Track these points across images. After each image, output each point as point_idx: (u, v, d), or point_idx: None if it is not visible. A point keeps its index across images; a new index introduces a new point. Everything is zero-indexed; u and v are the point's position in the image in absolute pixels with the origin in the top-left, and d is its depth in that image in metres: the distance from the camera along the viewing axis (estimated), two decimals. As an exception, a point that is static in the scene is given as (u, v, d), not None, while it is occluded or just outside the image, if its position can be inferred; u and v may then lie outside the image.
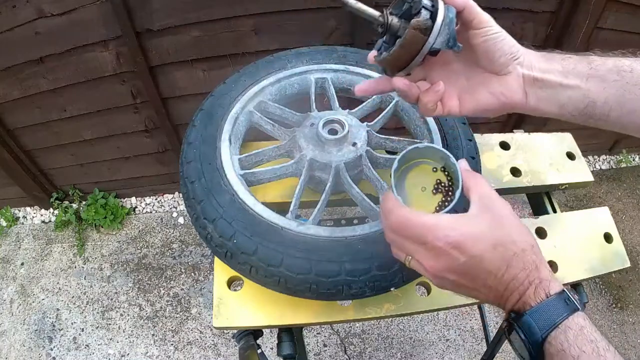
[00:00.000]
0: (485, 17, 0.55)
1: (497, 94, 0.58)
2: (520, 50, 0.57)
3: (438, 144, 0.85)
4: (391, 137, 0.88)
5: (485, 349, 1.29)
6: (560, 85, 0.56)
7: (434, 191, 0.60)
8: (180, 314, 2.10)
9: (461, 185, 0.55)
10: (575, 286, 0.93)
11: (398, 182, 0.60)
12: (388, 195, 0.55)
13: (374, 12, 0.55)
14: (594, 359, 0.43)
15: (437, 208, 0.59)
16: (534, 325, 0.47)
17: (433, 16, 0.52)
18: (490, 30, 0.55)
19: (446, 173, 0.60)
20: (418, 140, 0.89)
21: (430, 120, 0.88)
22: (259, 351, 0.80)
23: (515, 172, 0.99)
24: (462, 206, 0.54)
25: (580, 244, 0.91)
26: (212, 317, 0.75)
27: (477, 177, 0.55)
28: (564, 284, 0.75)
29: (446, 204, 0.58)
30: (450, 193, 0.59)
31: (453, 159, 0.58)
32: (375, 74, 0.94)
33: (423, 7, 0.52)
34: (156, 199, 2.50)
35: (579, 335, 0.45)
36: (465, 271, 0.49)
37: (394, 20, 0.55)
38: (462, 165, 0.57)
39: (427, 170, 0.62)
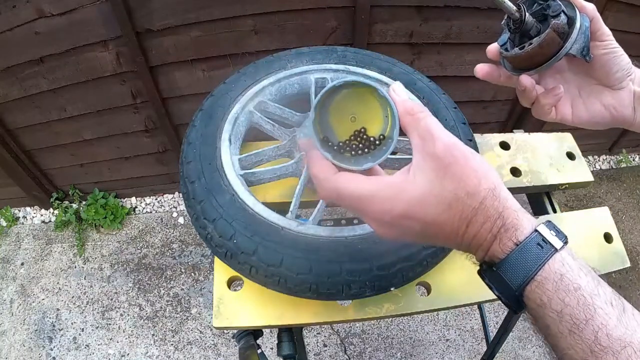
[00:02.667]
0: (607, 31, 0.56)
1: (610, 107, 0.59)
2: (632, 67, 0.59)
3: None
4: (391, 137, 0.87)
5: (485, 349, 1.29)
6: None
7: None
8: (180, 314, 2.10)
9: (398, 123, 0.47)
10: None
11: (322, 116, 0.51)
12: (313, 156, 0.48)
13: (512, 7, 0.54)
14: (581, 310, 0.37)
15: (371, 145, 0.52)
16: (505, 280, 0.41)
17: (569, 22, 0.53)
18: (612, 44, 0.56)
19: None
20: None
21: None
22: (259, 351, 0.80)
23: (515, 172, 0.99)
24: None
25: (580, 244, 0.91)
26: (212, 317, 0.75)
27: (416, 109, 0.46)
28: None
29: (383, 147, 0.51)
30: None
31: (382, 90, 0.47)
32: (375, 74, 0.94)
33: (562, 11, 0.53)
34: (156, 199, 2.50)
35: (559, 286, 0.39)
36: (422, 235, 0.45)
37: (529, 17, 0.54)
38: (397, 91, 0.47)
39: (361, 94, 0.50)
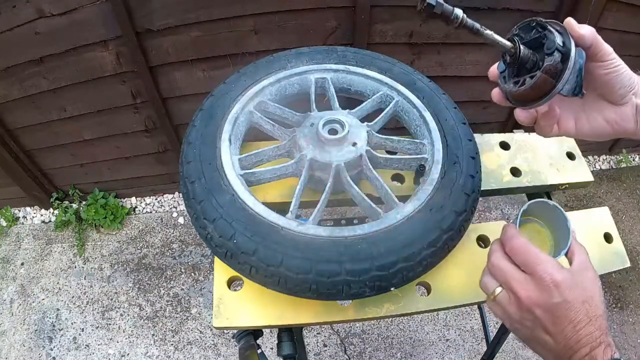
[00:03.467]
0: (608, 50, 0.56)
1: (612, 122, 0.61)
2: (635, 80, 0.59)
3: (438, 144, 0.85)
4: (391, 137, 0.88)
5: (485, 349, 1.29)
6: None
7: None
8: (180, 314, 2.10)
9: (568, 247, 0.62)
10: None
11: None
12: (511, 226, 0.60)
13: (507, 43, 0.56)
14: None
15: None
16: None
17: (564, 58, 0.53)
18: (613, 64, 0.57)
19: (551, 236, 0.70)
20: (418, 140, 0.89)
21: (430, 120, 0.88)
22: (259, 351, 0.80)
23: (515, 172, 0.99)
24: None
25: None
26: (212, 317, 0.75)
27: (582, 247, 0.62)
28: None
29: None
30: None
31: (570, 223, 0.65)
32: (375, 74, 0.94)
33: (557, 49, 0.53)
34: (156, 199, 2.50)
35: None
36: (553, 311, 0.52)
37: (525, 51, 0.56)
38: (575, 234, 0.63)
39: (535, 229, 0.71)
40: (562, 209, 0.68)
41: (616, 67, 0.57)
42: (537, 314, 0.53)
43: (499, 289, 0.56)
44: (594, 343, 0.51)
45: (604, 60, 0.56)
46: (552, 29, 0.54)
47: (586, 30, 0.54)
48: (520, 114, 0.61)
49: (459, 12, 0.52)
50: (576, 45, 0.54)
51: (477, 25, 0.54)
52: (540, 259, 0.54)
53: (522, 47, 0.56)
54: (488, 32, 0.55)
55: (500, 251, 0.58)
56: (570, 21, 0.55)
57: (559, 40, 0.53)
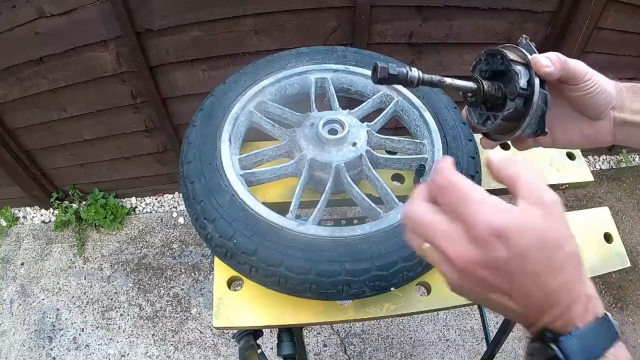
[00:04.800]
0: (581, 71, 0.54)
1: (589, 136, 0.60)
2: (613, 95, 0.57)
3: (438, 144, 0.85)
4: (391, 137, 0.88)
5: (485, 349, 1.29)
6: None
7: None
8: (180, 314, 2.10)
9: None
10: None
11: None
12: (447, 159, 0.44)
13: (471, 85, 0.56)
14: None
15: None
16: (577, 351, 0.38)
17: (527, 101, 0.52)
18: (587, 86, 0.55)
19: None
20: (418, 140, 0.89)
21: (431, 121, 0.88)
22: (259, 351, 0.80)
23: (515, 172, 0.99)
24: None
25: (580, 244, 0.90)
26: (212, 317, 0.75)
27: (519, 163, 0.44)
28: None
29: None
30: None
31: None
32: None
33: (519, 94, 0.52)
34: (156, 199, 2.50)
35: None
36: (502, 268, 0.39)
37: (489, 89, 0.55)
38: (495, 155, 0.45)
39: None
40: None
41: (591, 89, 0.55)
42: (480, 275, 0.39)
43: (426, 245, 0.41)
44: (563, 302, 0.39)
45: (577, 83, 0.55)
46: (516, 68, 0.52)
47: (552, 68, 0.52)
48: (483, 143, 0.63)
49: (413, 74, 0.52)
50: (542, 82, 0.52)
51: (436, 79, 0.53)
52: (470, 199, 0.39)
53: (486, 86, 0.55)
54: (448, 81, 0.54)
55: (421, 195, 0.43)
56: (535, 61, 0.52)
57: (522, 82, 0.52)
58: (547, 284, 0.39)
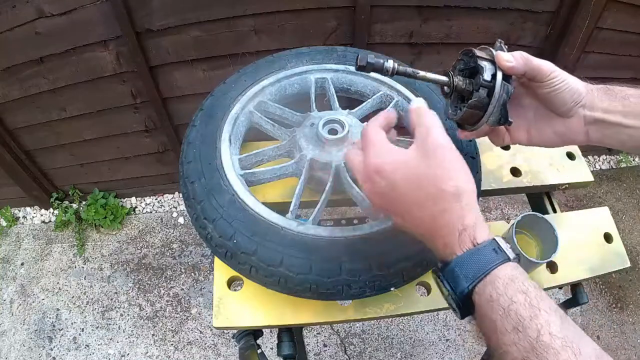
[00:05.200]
0: (547, 69, 0.57)
1: (561, 134, 0.63)
2: (582, 93, 0.59)
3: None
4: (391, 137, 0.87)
5: (485, 348, 1.29)
6: (621, 125, 0.59)
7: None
8: (180, 314, 2.10)
9: (553, 255, 0.72)
10: (575, 286, 0.93)
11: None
12: (380, 115, 0.58)
13: (443, 79, 0.61)
14: (527, 309, 0.41)
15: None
16: (459, 274, 0.45)
17: (490, 92, 0.58)
18: (553, 83, 0.58)
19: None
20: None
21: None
22: (259, 351, 0.80)
23: (515, 172, 0.99)
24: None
25: (580, 244, 0.91)
26: (212, 317, 0.75)
27: (427, 114, 0.54)
28: (566, 284, 0.76)
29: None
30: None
31: (557, 232, 0.75)
32: (374, 74, 0.94)
33: (482, 85, 0.58)
34: (156, 199, 2.50)
35: (509, 285, 0.43)
36: (385, 195, 0.51)
37: (460, 83, 0.61)
38: (416, 102, 0.56)
39: (524, 240, 0.81)
40: (550, 221, 0.74)
41: (556, 86, 0.58)
42: (375, 200, 0.53)
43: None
44: (442, 231, 0.47)
45: (543, 80, 0.57)
46: (482, 63, 0.58)
47: (513, 63, 0.56)
48: (458, 133, 0.67)
49: (389, 64, 0.59)
50: (507, 76, 0.58)
51: (410, 70, 0.60)
52: (370, 145, 0.52)
53: (456, 79, 0.61)
54: (422, 73, 0.61)
55: (357, 142, 0.58)
56: (499, 56, 0.57)
57: (487, 75, 0.58)
58: (422, 211, 0.48)
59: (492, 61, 0.59)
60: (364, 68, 0.59)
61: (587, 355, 0.38)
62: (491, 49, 0.60)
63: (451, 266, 0.46)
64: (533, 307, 0.41)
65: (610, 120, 0.59)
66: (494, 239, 0.46)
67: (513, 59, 0.56)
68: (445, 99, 0.65)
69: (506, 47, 0.59)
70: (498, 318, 0.42)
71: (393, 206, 0.52)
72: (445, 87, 0.63)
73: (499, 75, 0.57)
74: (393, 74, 0.59)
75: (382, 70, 0.59)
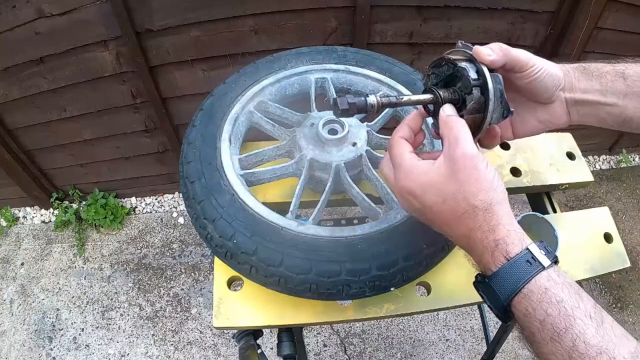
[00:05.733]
0: (524, 59, 0.56)
1: (545, 121, 0.63)
2: (560, 76, 0.59)
3: (438, 143, 0.85)
4: (391, 137, 0.87)
5: (485, 349, 1.29)
6: (599, 103, 0.60)
7: None
8: (180, 314, 2.10)
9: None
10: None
11: None
12: (410, 119, 0.59)
13: (428, 97, 0.57)
14: (562, 320, 0.42)
15: None
16: (495, 291, 0.46)
17: (483, 90, 0.54)
18: (533, 72, 0.57)
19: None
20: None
21: (431, 120, 0.88)
22: (259, 351, 0.80)
23: (515, 172, 0.99)
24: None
25: (580, 244, 0.91)
26: (212, 317, 0.75)
27: (456, 124, 0.52)
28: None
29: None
30: None
31: (557, 232, 0.76)
32: (375, 74, 0.94)
33: (473, 86, 0.54)
34: (156, 199, 2.50)
35: (543, 298, 0.43)
36: (424, 214, 0.53)
37: (445, 94, 0.56)
38: (445, 110, 0.55)
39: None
40: (550, 221, 0.75)
41: (536, 74, 0.57)
42: (415, 215, 0.55)
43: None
44: (477, 249, 0.48)
45: (523, 70, 0.57)
46: (462, 65, 0.54)
47: (494, 55, 0.54)
48: None
49: (372, 100, 0.54)
50: (490, 70, 0.54)
51: (394, 99, 0.56)
52: (397, 166, 0.54)
53: (441, 92, 0.56)
54: (405, 98, 0.57)
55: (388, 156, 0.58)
56: (477, 51, 0.55)
57: (472, 74, 0.54)
58: (456, 229, 0.50)
59: (469, 60, 0.56)
60: (347, 112, 0.53)
61: (622, 358, 0.39)
62: (464, 49, 0.56)
63: (487, 282, 0.47)
64: (568, 317, 0.42)
65: (590, 99, 0.60)
66: (528, 248, 0.46)
67: (492, 51, 0.55)
68: (433, 119, 0.60)
69: (469, 44, 0.56)
70: (536, 330, 0.43)
71: (432, 223, 0.54)
72: (430, 106, 0.59)
73: (485, 69, 0.54)
74: (379, 109, 0.55)
75: (365, 108, 0.54)
